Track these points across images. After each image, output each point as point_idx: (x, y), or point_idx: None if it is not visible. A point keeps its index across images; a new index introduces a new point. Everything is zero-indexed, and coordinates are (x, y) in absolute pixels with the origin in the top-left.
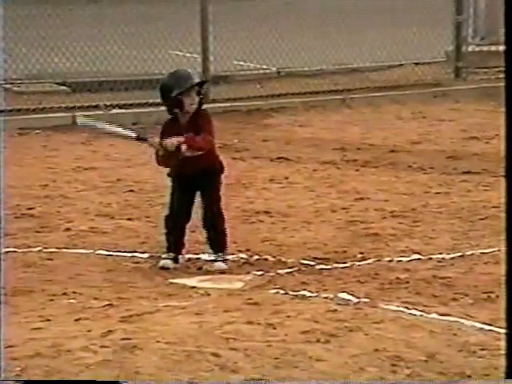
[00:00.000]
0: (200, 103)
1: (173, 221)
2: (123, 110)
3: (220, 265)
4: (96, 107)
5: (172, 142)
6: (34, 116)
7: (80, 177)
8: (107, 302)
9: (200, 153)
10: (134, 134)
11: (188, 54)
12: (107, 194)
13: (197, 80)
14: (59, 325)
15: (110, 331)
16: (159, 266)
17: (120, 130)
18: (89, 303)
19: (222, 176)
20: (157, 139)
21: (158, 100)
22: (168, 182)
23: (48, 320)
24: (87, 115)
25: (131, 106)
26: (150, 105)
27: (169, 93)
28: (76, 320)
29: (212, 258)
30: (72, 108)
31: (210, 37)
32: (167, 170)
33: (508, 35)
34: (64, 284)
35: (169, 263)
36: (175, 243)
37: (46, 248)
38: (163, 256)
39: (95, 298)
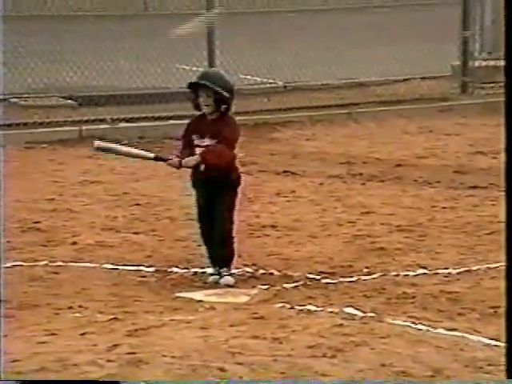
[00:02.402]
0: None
1: (201, 231)
2: (130, 124)
3: (228, 279)
4: (102, 121)
5: (190, 161)
6: (41, 130)
7: (86, 190)
8: (113, 316)
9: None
10: (151, 155)
11: (194, 68)
12: (113, 208)
13: (202, 81)
14: (65, 339)
15: (115, 345)
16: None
17: (137, 151)
18: (94, 317)
19: (238, 189)
20: (176, 159)
21: (165, 114)
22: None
23: (53, 334)
24: (102, 141)
25: (138, 119)
26: (157, 119)
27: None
28: (82, 334)
29: (214, 271)
30: (79, 122)
31: (216, 51)
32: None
33: (508, 46)
34: (70, 298)
35: (217, 278)
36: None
37: (52, 262)
38: (209, 271)
39: (101, 312)
